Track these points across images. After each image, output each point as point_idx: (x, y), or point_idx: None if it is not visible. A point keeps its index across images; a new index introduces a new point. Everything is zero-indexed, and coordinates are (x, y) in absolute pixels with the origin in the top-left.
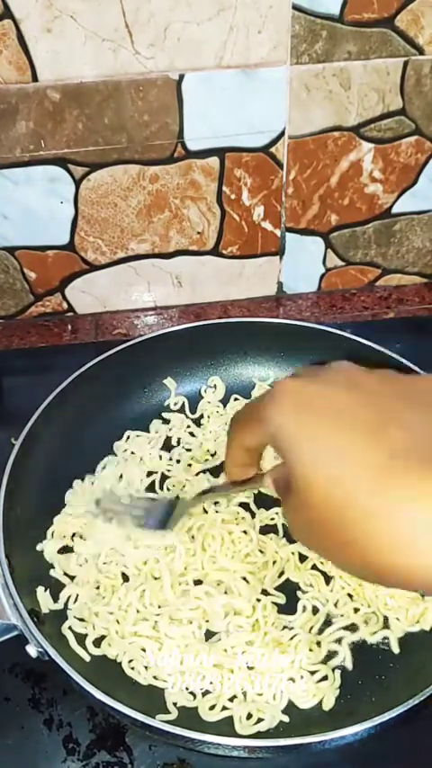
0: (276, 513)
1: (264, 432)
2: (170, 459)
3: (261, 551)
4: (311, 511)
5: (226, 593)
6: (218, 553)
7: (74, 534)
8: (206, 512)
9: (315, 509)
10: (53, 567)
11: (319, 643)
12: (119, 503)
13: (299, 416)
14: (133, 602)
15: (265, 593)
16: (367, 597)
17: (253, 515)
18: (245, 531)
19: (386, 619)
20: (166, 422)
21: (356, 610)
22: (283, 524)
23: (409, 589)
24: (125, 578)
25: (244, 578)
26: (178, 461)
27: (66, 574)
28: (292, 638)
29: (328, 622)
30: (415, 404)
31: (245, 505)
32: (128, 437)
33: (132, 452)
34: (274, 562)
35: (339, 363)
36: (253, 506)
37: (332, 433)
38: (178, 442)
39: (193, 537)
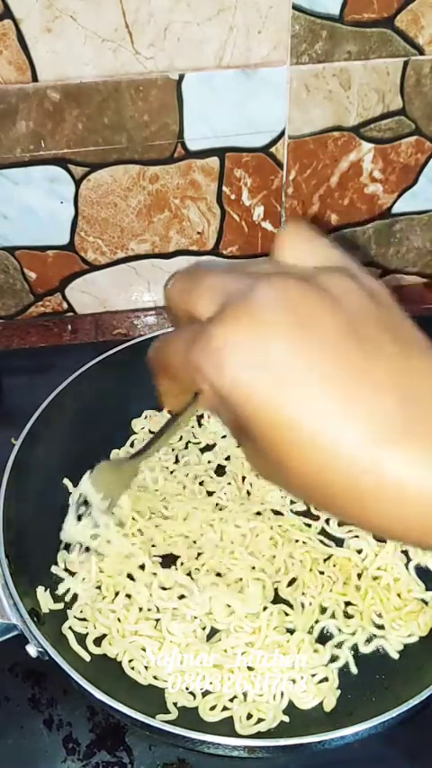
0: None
1: (208, 387)
2: (178, 457)
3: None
4: (296, 475)
5: (241, 591)
6: (240, 546)
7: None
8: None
9: (300, 475)
10: (56, 564)
11: (317, 650)
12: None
13: (259, 373)
14: (139, 599)
15: (276, 599)
16: (365, 613)
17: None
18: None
19: (382, 627)
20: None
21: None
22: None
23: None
24: (129, 578)
25: (259, 579)
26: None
27: (66, 570)
28: (291, 641)
29: (328, 635)
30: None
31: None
32: (146, 416)
33: (151, 431)
34: (293, 564)
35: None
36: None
37: (307, 388)
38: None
39: (212, 526)
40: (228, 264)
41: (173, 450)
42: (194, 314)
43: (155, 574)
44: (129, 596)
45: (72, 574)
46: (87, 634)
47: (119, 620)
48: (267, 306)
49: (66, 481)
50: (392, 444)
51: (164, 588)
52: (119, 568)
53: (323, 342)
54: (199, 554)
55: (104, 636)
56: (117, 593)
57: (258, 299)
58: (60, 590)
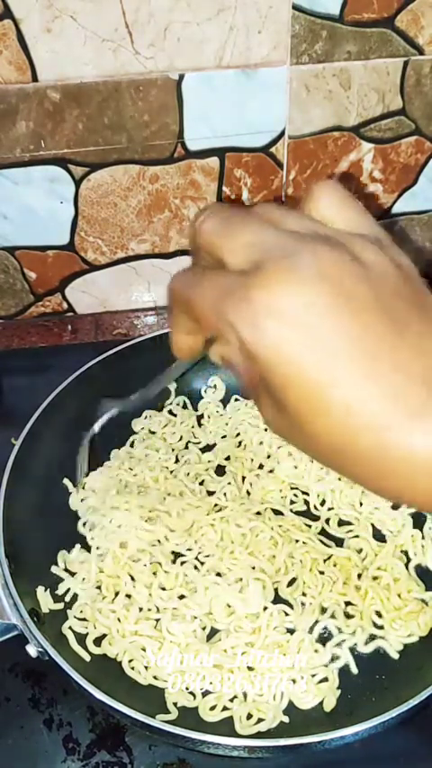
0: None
1: (237, 341)
2: (178, 457)
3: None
4: (321, 438)
5: (241, 591)
6: (240, 546)
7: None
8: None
9: (326, 437)
10: (56, 564)
11: (317, 650)
12: None
13: (296, 338)
14: (139, 599)
15: (276, 599)
16: (365, 613)
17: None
18: (271, 532)
19: (382, 627)
20: (173, 414)
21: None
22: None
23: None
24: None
25: (259, 579)
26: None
27: (66, 570)
28: (291, 641)
29: (328, 635)
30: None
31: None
32: (146, 416)
33: (151, 431)
34: (293, 564)
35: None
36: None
37: (342, 346)
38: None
39: (213, 525)
40: (258, 209)
41: (173, 450)
42: (224, 261)
43: (155, 574)
44: (129, 596)
45: (72, 574)
46: (87, 634)
47: (119, 620)
48: (309, 273)
49: (66, 481)
50: (418, 417)
51: (163, 588)
52: (119, 568)
53: (357, 313)
54: (199, 554)
55: (104, 636)
56: (117, 594)
57: (301, 265)
58: (60, 590)
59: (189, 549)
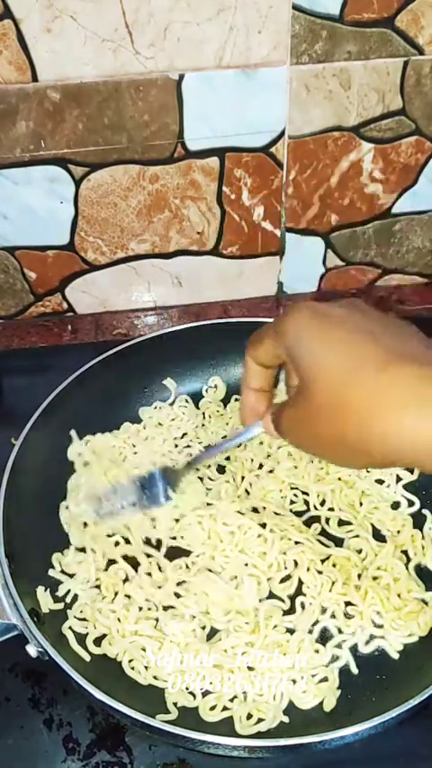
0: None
1: (282, 339)
2: (180, 452)
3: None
4: (319, 398)
5: (237, 588)
6: (230, 544)
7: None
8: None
9: (322, 396)
10: (53, 567)
11: (317, 650)
12: (112, 500)
13: (314, 322)
14: (137, 598)
15: (271, 596)
16: (365, 613)
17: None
18: (260, 531)
19: (382, 627)
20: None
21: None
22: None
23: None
24: (127, 579)
25: (253, 575)
26: (189, 446)
27: (64, 572)
28: (291, 641)
29: (328, 635)
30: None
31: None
32: (156, 407)
33: (159, 423)
34: (285, 561)
35: (349, 299)
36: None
37: (343, 336)
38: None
39: (200, 523)
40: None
41: (176, 445)
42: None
43: (149, 574)
44: (128, 596)
45: (70, 576)
46: (87, 634)
47: (119, 620)
48: (323, 307)
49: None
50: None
51: (159, 587)
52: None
53: (347, 329)
54: (190, 552)
55: (104, 636)
56: (116, 593)
57: (322, 305)
58: (61, 591)
59: (173, 538)
